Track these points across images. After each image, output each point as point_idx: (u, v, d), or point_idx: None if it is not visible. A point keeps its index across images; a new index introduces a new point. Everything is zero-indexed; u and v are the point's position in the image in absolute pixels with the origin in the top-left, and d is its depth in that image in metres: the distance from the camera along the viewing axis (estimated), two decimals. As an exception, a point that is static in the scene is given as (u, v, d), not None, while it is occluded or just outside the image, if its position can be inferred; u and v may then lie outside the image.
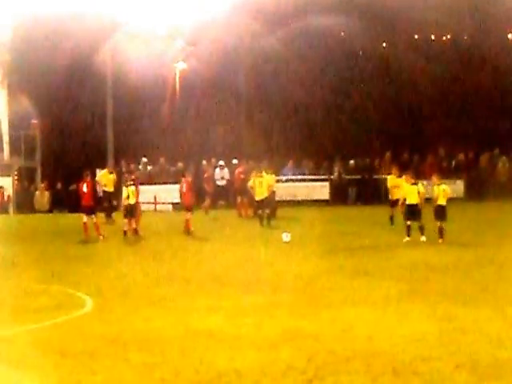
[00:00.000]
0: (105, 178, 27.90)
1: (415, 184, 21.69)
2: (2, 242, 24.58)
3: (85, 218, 24.28)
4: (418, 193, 21.39)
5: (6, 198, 36.57)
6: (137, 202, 24.57)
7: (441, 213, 21.24)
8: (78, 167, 28.05)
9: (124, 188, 24.78)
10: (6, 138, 38.14)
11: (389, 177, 25.67)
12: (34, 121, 38.71)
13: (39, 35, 36.14)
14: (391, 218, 24.99)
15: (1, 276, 17.19)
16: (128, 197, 24.06)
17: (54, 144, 38.62)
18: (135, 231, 24.04)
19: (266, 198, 26.99)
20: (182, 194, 25.81)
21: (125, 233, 23.84)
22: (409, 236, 21.47)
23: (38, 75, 37.44)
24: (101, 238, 24.01)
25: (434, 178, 21.93)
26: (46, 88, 38.07)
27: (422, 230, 21.40)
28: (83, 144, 39.07)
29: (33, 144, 38.78)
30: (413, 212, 21.43)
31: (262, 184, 27.05)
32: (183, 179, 25.98)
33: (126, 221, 24.06)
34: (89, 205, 24.49)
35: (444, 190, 21.54)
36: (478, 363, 9.14)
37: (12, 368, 9.40)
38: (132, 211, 23.94)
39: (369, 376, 8.72)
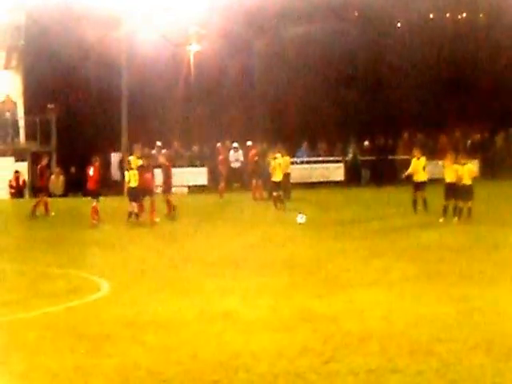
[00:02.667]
0: (134, 164, 27.65)
1: (463, 164, 21.54)
2: (18, 226, 24.70)
3: (94, 202, 24.22)
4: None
5: (21, 182, 36.66)
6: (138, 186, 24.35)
7: (467, 193, 21.11)
8: (93, 151, 27.96)
9: (126, 172, 24.76)
10: (21, 123, 38.20)
11: (413, 159, 24.77)
12: (50, 105, 38.68)
13: (53, 19, 36.03)
14: (414, 203, 23.64)
15: (17, 260, 17.26)
16: (129, 181, 24.03)
17: (69, 128, 38.60)
18: (136, 215, 23.86)
19: (281, 179, 27.03)
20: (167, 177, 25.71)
21: (129, 214, 23.73)
22: (444, 216, 21.33)
23: (52, 60, 37.37)
24: (94, 222, 23.81)
25: (460, 158, 21.81)
26: (61, 72, 38.03)
27: (455, 210, 21.29)
28: (98, 128, 39.03)
29: (48, 129, 38.77)
30: (451, 191, 21.37)
31: (281, 166, 27.23)
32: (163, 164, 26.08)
33: (133, 204, 23.93)
34: (92, 188, 24.50)
35: (469, 170, 21.44)
36: (494, 344, 9.10)
37: (28, 351, 9.44)
38: (134, 194, 23.87)
39: (385, 357, 8.70)
